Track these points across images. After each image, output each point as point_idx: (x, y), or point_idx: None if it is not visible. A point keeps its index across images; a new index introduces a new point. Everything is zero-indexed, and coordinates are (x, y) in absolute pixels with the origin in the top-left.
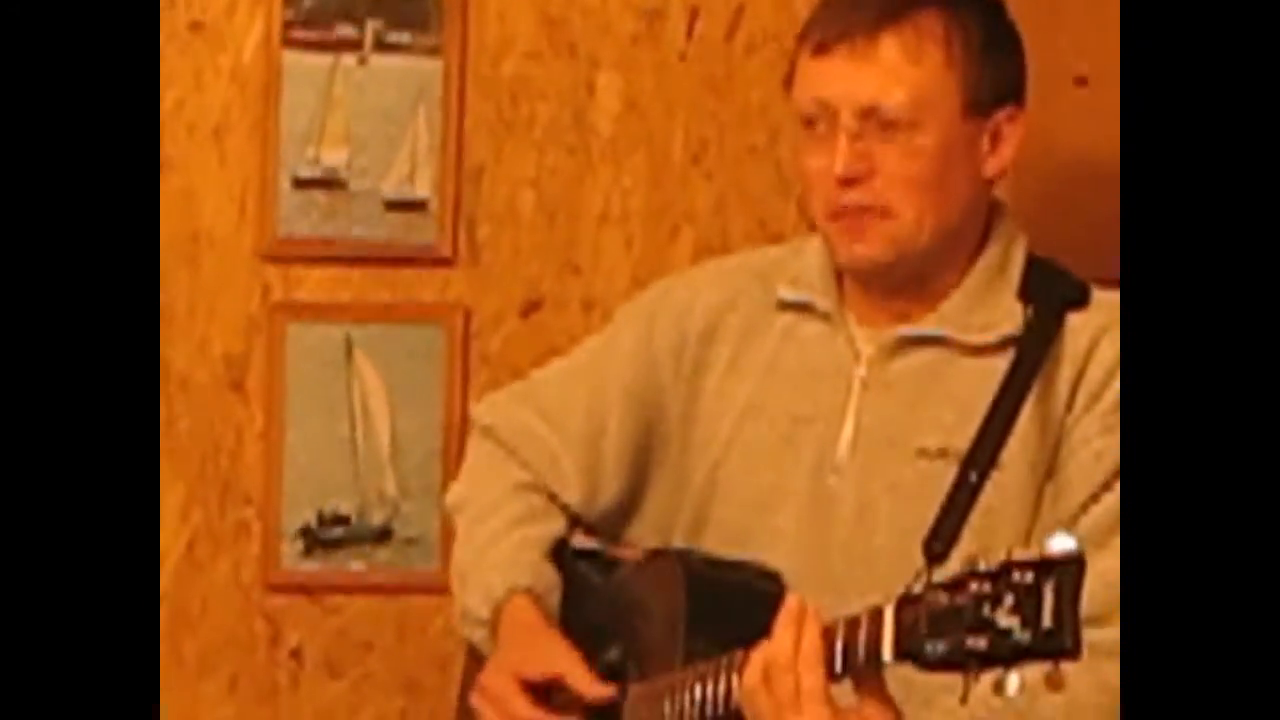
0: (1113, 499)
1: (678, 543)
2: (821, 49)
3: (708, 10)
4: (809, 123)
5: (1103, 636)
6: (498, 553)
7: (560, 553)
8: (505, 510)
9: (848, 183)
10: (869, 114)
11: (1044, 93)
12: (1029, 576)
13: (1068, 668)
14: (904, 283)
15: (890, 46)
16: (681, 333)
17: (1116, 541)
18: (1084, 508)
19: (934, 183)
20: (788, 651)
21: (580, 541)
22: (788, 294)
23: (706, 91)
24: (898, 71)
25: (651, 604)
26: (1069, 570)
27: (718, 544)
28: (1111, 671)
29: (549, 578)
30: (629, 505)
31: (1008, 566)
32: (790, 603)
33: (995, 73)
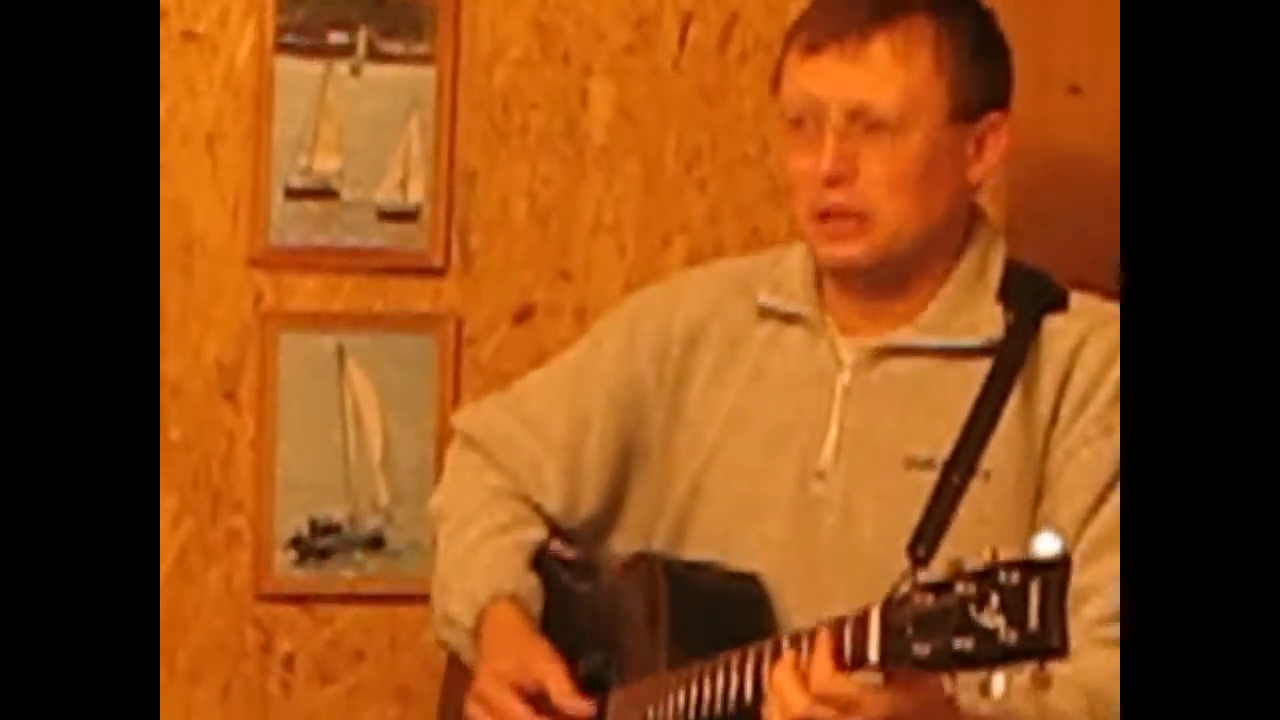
0: (1119, 498)
1: (658, 549)
2: (812, 48)
3: (700, 19)
4: (796, 122)
5: None
6: (480, 559)
7: (541, 560)
8: (487, 517)
9: (832, 182)
10: (857, 114)
11: (1038, 101)
12: (1015, 577)
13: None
14: (884, 286)
15: (881, 48)
16: (664, 341)
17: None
18: (1093, 510)
19: (917, 186)
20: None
21: (561, 549)
22: (768, 301)
23: (699, 100)
24: (887, 73)
25: (633, 609)
26: (1055, 571)
27: (700, 550)
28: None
29: (531, 584)
30: (610, 513)
31: (994, 568)
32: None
33: (983, 78)
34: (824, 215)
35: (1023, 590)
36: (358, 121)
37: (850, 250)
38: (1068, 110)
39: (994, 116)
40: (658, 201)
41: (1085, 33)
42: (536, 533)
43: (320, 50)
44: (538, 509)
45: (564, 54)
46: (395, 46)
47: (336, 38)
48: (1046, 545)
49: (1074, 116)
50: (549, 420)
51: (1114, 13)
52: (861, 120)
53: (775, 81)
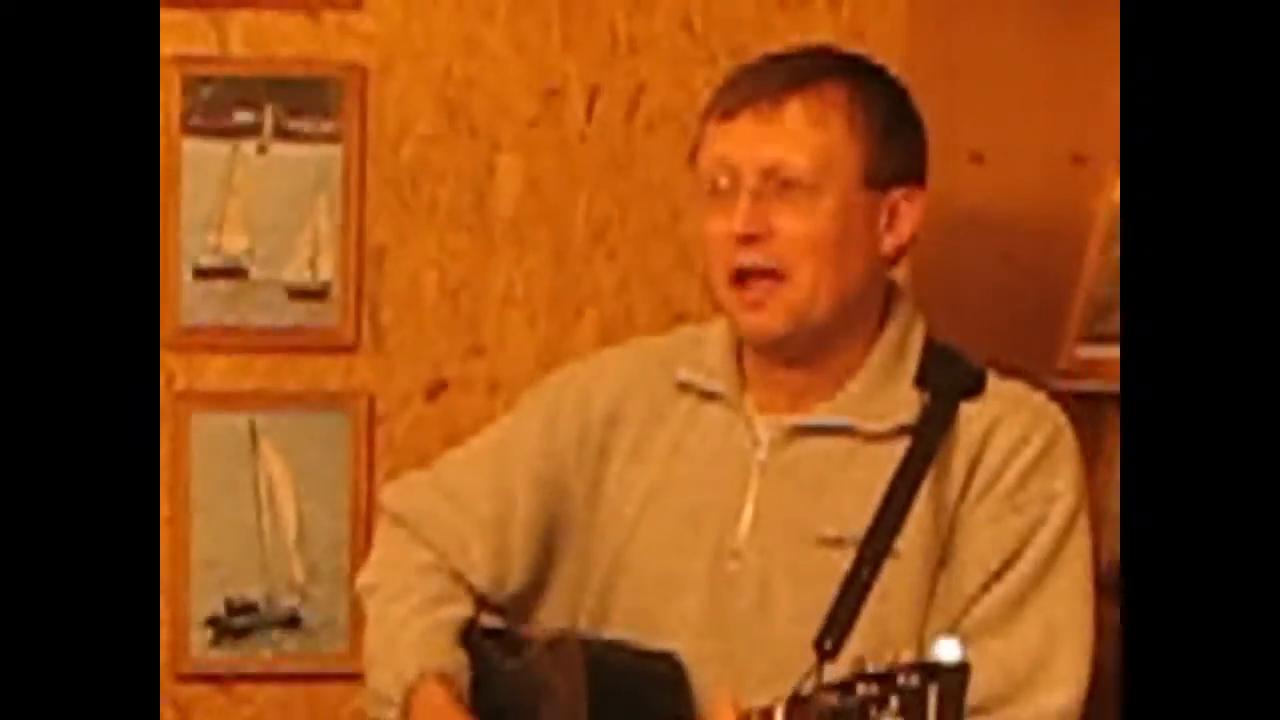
0: (1011, 581)
1: (583, 625)
2: (728, 114)
3: (607, 90)
4: (713, 187)
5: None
6: (409, 635)
7: (469, 635)
8: (415, 593)
9: (747, 240)
10: (770, 174)
11: (942, 168)
12: (914, 680)
13: None
14: (802, 360)
15: (795, 110)
16: (585, 418)
17: (1012, 627)
18: (983, 589)
19: (830, 248)
20: None
21: (487, 621)
22: (687, 377)
23: (607, 171)
24: (801, 134)
25: (554, 686)
26: (954, 676)
27: (623, 627)
28: None
29: (459, 660)
30: (537, 588)
31: (894, 670)
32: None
33: (896, 148)
34: (739, 276)
35: (921, 694)
36: (265, 200)
37: (769, 319)
38: (968, 178)
39: (907, 188)
40: (568, 273)
41: (988, 101)
42: (464, 609)
43: (226, 130)
44: (466, 584)
45: (471, 128)
46: (302, 125)
47: (242, 117)
48: (947, 650)
49: (974, 184)
50: (474, 497)
51: (1018, 83)
52: (776, 179)
53: (693, 154)
